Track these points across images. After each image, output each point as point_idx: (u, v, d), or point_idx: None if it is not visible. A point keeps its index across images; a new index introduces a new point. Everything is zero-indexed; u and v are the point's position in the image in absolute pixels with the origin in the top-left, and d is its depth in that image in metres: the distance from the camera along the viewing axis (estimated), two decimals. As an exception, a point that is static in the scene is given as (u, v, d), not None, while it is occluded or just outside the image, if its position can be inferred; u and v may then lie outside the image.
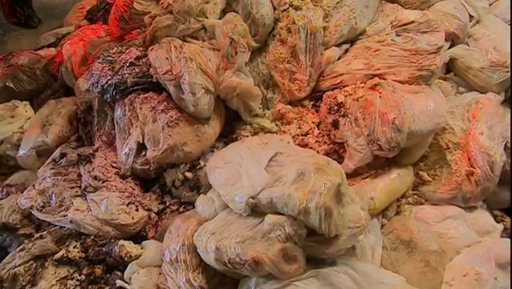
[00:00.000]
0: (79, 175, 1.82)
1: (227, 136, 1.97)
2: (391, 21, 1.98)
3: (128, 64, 1.87)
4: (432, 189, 1.73)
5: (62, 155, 1.90)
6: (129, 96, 1.85)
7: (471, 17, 2.09)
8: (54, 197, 1.74)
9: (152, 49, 1.87)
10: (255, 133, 1.97)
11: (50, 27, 3.18)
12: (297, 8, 1.97)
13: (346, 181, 1.51)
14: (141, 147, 1.84)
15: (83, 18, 2.97)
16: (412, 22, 1.88)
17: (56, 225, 1.74)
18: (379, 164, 1.77)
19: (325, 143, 1.86)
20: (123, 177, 1.84)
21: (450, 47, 2.04)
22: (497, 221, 1.74)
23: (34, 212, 1.75)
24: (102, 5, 2.92)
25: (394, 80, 1.81)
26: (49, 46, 2.68)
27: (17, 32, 2.97)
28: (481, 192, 1.66)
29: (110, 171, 1.82)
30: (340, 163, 1.71)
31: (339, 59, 1.99)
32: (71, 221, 1.69)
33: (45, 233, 1.70)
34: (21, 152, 2.05)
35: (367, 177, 1.74)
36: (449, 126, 1.77)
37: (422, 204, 1.74)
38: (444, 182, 1.70)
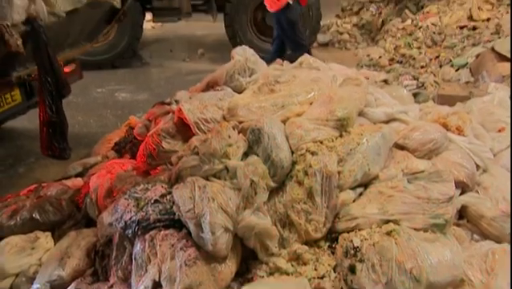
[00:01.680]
0: (91, 314, 1.78)
1: (243, 275, 1.96)
2: (402, 168, 2.09)
3: (152, 201, 1.96)
4: None
5: (77, 291, 1.88)
6: (150, 233, 1.90)
7: (477, 166, 2.21)
8: (62, 339, 1.68)
9: (176, 188, 1.98)
10: (271, 273, 1.95)
11: (79, 156, 3.40)
12: (313, 153, 2.10)
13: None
14: (156, 285, 1.82)
15: (111, 149, 3.18)
16: (423, 171, 2.00)
17: None
18: (398, 315, 1.71)
19: (342, 288, 1.83)
20: (136, 318, 1.79)
21: (460, 194, 2.12)
22: None
23: None
24: (129, 137, 3.16)
25: (409, 227, 1.86)
26: (76, 175, 2.84)
27: (46, 160, 3.16)
28: None
29: (123, 310, 1.78)
30: (358, 311, 1.67)
31: (353, 201, 2.07)
32: None
33: None
34: (35, 286, 2.02)
35: (386, 330, 1.67)
36: (468, 277, 1.75)
37: None
38: (468, 340, 1.63)
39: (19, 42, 2.33)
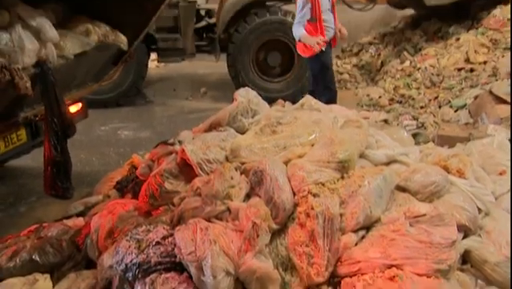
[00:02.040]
0: None
1: (243, 320, 1.92)
2: (404, 211, 2.09)
3: (154, 243, 1.95)
4: None
5: (74, 337, 1.84)
6: (151, 276, 1.88)
7: (479, 210, 2.20)
8: None
9: (178, 229, 1.98)
10: (272, 319, 1.91)
11: (81, 194, 3.40)
12: (315, 195, 2.10)
13: None
14: (156, 330, 1.79)
15: (113, 188, 3.18)
16: (424, 214, 1.99)
17: None
18: None
19: (345, 335, 1.79)
20: None
21: (463, 238, 2.10)
22: None
23: None
24: (132, 176, 3.16)
25: (412, 272, 1.84)
26: (77, 215, 2.83)
27: (48, 199, 3.16)
28: None
29: None
30: None
31: (356, 244, 2.05)
32: None
33: None
34: (32, 330, 1.99)
35: None
36: (474, 326, 1.72)
37: None
38: None
39: (28, 84, 2.39)
